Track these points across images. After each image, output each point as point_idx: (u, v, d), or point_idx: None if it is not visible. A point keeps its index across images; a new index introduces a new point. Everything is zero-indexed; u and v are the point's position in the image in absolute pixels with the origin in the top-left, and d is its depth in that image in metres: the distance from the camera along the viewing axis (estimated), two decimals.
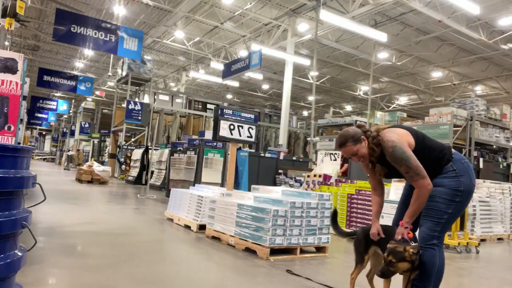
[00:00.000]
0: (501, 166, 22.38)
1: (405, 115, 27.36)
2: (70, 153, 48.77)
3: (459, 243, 11.19)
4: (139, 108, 32.48)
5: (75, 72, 46.68)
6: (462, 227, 11.64)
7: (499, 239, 14.09)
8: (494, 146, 23.61)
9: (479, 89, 44.68)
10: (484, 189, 15.66)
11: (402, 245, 5.07)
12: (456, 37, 30.21)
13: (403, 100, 52.87)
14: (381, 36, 25.88)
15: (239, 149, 19.14)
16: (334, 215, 6.74)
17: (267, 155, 20.38)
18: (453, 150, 5.50)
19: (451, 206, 5.21)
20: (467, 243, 11.37)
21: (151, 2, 28.07)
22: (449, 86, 43.71)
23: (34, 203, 4.72)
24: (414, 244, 5.09)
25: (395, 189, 11.85)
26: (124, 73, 36.15)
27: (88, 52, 42.43)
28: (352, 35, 31.47)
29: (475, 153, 20.41)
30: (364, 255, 5.82)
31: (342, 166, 18.97)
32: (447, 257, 5.64)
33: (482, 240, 13.20)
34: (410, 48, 34.48)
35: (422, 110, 48.38)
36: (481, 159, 20.72)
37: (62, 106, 52.17)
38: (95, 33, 25.95)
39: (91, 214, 13.58)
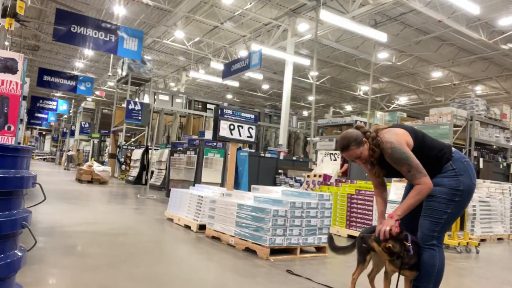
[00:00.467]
0: (501, 166, 22.23)
1: (405, 115, 27.11)
2: (70, 153, 48.89)
3: (459, 243, 11.15)
4: (139, 108, 32.55)
5: (75, 72, 46.66)
6: (462, 227, 11.65)
7: (499, 239, 14.05)
8: (494, 146, 23.43)
9: (479, 89, 44.57)
10: (484, 189, 15.56)
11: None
12: (456, 37, 30.15)
13: (403, 100, 52.84)
14: (381, 36, 25.85)
15: (239, 149, 19.13)
16: (330, 241, 6.49)
17: (267, 155, 20.26)
18: (453, 149, 5.44)
19: (451, 205, 5.15)
20: (467, 243, 11.33)
21: (151, 2, 28.11)
22: (449, 86, 43.63)
23: (34, 203, 4.74)
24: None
25: (395, 189, 11.77)
26: (124, 73, 36.22)
27: (88, 52, 42.49)
28: (352, 35, 31.46)
29: (475, 153, 20.25)
30: (366, 255, 5.78)
31: (342, 166, 18.99)
32: (447, 257, 5.62)
33: (482, 240, 13.16)
34: (410, 48, 34.43)
35: (422, 110, 48.41)
36: (481, 159, 20.57)
37: (62, 106, 52.34)
38: (95, 33, 26.01)
39: (91, 214, 13.57)
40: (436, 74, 41.54)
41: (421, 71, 40.91)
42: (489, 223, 13.79)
